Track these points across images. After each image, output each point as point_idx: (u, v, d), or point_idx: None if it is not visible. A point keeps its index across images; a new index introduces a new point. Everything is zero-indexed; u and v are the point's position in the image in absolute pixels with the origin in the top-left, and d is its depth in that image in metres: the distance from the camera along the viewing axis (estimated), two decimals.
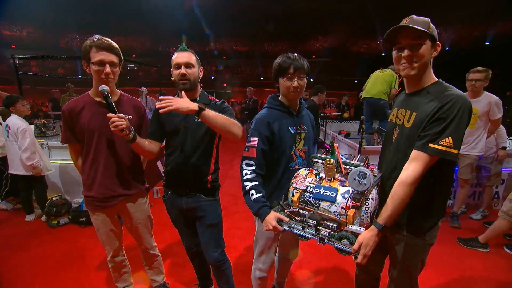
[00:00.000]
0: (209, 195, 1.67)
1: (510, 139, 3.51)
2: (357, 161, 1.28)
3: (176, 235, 1.90)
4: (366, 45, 20.51)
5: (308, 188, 1.26)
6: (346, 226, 1.14)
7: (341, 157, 1.27)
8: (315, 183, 1.27)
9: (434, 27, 1.13)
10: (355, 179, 1.10)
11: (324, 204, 1.19)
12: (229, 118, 1.47)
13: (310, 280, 2.32)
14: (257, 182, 1.39)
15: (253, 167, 1.40)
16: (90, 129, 1.55)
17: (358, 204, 1.12)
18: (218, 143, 1.68)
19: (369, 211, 1.13)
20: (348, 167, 1.22)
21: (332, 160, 1.22)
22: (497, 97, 2.88)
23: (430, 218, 1.22)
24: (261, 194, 1.37)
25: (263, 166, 1.44)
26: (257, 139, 1.41)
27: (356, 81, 15.17)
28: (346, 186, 1.19)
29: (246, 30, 19.64)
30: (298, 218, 1.25)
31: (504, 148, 3.16)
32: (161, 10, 15.19)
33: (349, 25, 18.52)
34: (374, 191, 1.17)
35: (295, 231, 1.23)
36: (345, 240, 1.12)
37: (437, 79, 1.19)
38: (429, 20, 1.12)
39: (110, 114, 1.35)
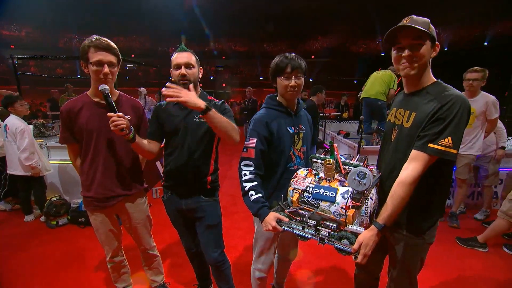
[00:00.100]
0: (209, 196, 1.67)
1: (509, 139, 3.52)
2: (356, 161, 1.28)
3: (176, 235, 1.90)
4: (366, 45, 20.53)
5: (308, 188, 1.26)
6: (346, 226, 1.15)
7: (340, 157, 1.27)
8: (314, 183, 1.27)
9: (433, 27, 1.13)
10: (354, 179, 1.10)
11: (323, 204, 1.19)
12: (230, 122, 1.48)
13: (309, 280, 2.32)
14: (256, 183, 1.39)
15: (252, 168, 1.40)
16: (88, 129, 1.55)
17: (358, 204, 1.12)
18: (217, 143, 1.68)
19: (368, 211, 1.13)
20: (347, 167, 1.23)
21: (331, 160, 1.22)
22: (494, 97, 2.89)
23: (429, 218, 1.22)
24: (260, 195, 1.37)
25: (262, 166, 1.44)
26: (255, 139, 1.41)
27: (355, 81, 15.20)
28: (345, 186, 1.19)
29: (246, 30, 19.63)
30: (298, 218, 1.25)
31: (503, 148, 3.17)
32: (161, 10, 15.17)
33: (348, 25, 18.53)
34: (373, 191, 1.17)
35: (294, 231, 1.23)
36: (345, 240, 1.12)
37: (435, 79, 1.20)
38: (429, 20, 1.12)
39: (110, 114, 1.35)
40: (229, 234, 2.89)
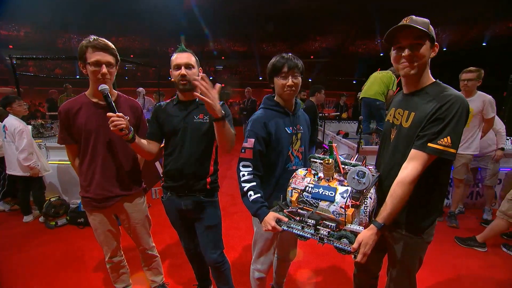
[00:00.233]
0: (208, 196, 1.66)
1: (507, 139, 3.53)
2: (355, 160, 1.29)
3: (175, 236, 1.90)
4: (365, 45, 20.56)
5: (307, 188, 1.26)
6: (345, 225, 1.15)
7: (339, 156, 1.27)
8: (313, 182, 1.27)
9: (432, 28, 1.14)
10: (354, 178, 1.10)
11: (323, 204, 1.19)
12: (233, 132, 1.49)
13: (309, 280, 2.32)
14: (255, 183, 1.39)
15: (250, 168, 1.40)
16: (87, 129, 1.54)
17: (357, 203, 1.12)
18: (217, 144, 1.67)
19: (367, 210, 1.13)
20: (346, 166, 1.23)
21: (330, 159, 1.23)
22: (490, 96, 2.90)
23: (428, 217, 1.23)
24: (259, 195, 1.37)
25: (260, 167, 1.44)
26: (253, 140, 1.41)
27: (354, 82, 15.21)
28: (344, 185, 1.19)
29: (245, 30, 19.64)
30: (297, 218, 1.25)
31: (502, 149, 3.19)
32: (160, 11, 15.16)
33: (347, 25, 18.56)
34: (372, 190, 1.18)
35: (294, 231, 1.23)
36: (345, 239, 1.12)
37: (434, 80, 1.20)
38: (429, 21, 1.13)
39: (109, 114, 1.34)
40: (229, 234, 2.89)
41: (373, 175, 1.18)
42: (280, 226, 1.27)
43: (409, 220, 1.23)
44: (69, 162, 1.74)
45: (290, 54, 1.44)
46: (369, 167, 1.23)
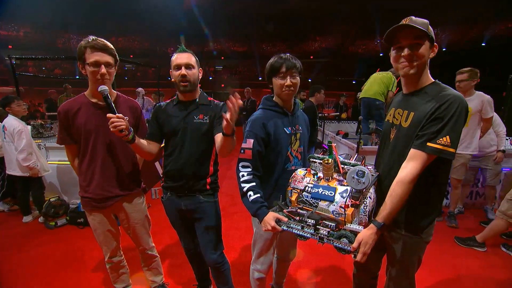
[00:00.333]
0: (208, 196, 1.67)
1: (507, 139, 3.54)
2: (354, 160, 1.29)
3: (175, 236, 1.90)
4: (364, 45, 20.57)
5: (306, 188, 1.26)
6: (345, 225, 1.15)
7: (339, 156, 1.28)
8: (313, 182, 1.27)
9: (431, 29, 1.15)
10: (353, 177, 1.10)
11: (322, 204, 1.20)
12: (234, 142, 1.48)
13: (308, 280, 2.32)
14: (254, 183, 1.39)
15: (250, 169, 1.41)
16: (86, 130, 1.54)
17: (357, 202, 1.12)
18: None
19: (367, 209, 1.14)
20: (345, 166, 1.23)
21: (330, 159, 1.23)
22: (489, 96, 2.90)
23: (426, 216, 1.23)
24: (259, 195, 1.37)
25: (260, 167, 1.44)
26: (252, 140, 1.41)
27: (354, 82, 15.22)
28: (344, 185, 1.20)
29: (245, 30, 19.64)
30: (297, 218, 1.25)
31: (503, 151, 3.20)
32: (160, 11, 15.16)
33: (347, 25, 18.57)
34: (372, 190, 1.18)
35: (294, 231, 1.23)
36: (344, 239, 1.12)
37: (433, 80, 1.21)
38: (428, 21, 1.14)
39: (109, 115, 1.34)
40: (228, 234, 2.89)
41: (372, 175, 1.18)
42: (280, 226, 1.27)
43: (408, 219, 1.23)
44: (68, 162, 1.74)
45: (288, 54, 1.44)
46: (368, 167, 1.23)
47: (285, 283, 2.05)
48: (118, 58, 1.57)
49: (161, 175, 1.72)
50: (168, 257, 2.57)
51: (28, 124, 3.67)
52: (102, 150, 1.59)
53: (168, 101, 1.70)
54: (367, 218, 1.15)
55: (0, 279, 2.30)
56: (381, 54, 18.05)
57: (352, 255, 1.11)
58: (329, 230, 1.16)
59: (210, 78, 22.40)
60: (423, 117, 1.12)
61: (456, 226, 3.17)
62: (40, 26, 18.20)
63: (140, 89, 6.85)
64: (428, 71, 1.21)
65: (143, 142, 1.57)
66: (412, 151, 1.13)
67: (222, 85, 20.68)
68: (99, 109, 1.56)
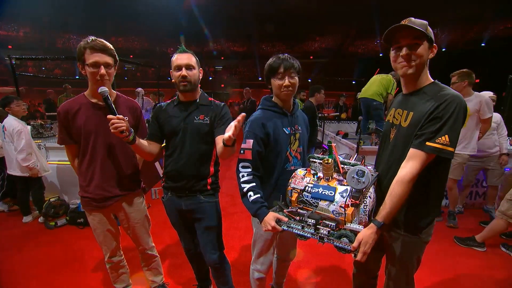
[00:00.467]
0: (209, 197, 1.67)
1: (508, 138, 3.54)
2: (354, 160, 1.30)
3: (175, 236, 1.90)
4: (364, 46, 20.60)
5: (307, 188, 1.26)
6: (345, 224, 1.15)
7: (339, 156, 1.28)
8: (313, 182, 1.27)
9: (431, 29, 1.16)
10: (353, 177, 1.10)
11: (322, 203, 1.20)
12: (234, 149, 1.47)
13: (308, 280, 2.32)
14: (254, 184, 1.39)
15: (250, 169, 1.41)
16: (86, 130, 1.55)
17: (357, 202, 1.13)
18: None
19: (367, 209, 1.14)
20: (345, 166, 1.23)
21: (330, 159, 1.23)
22: (487, 97, 2.90)
23: (426, 216, 1.23)
24: (259, 195, 1.37)
25: (259, 167, 1.44)
26: (252, 141, 1.41)
27: (353, 82, 15.22)
28: (344, 185, 1.20)
29: (244, 30, 19.67)
30: (297, 218, 1.25)
31: (507, 154, 3.21)
32: (160, 11, 15.17)
33: (347, 26, 18.60)
34: (371, 190, 1.18)
35: (294, 230, 1.24)
36: (345, 238, 1.12)
37: (433, 80, 1.22)
38: (427, 22, 1.15)
39: (110, 116, 1.34)
40: (228, 234, 2.89)
41: (372, 175, 1.18)
42: (280, 226, 1.27)
43: (408, 219, 1.24)
44: (68, 163, 1.74)
45: (287, 54, 1.45)
46: (368, 167, 1.24)
47: (285, 283, 2.06)
48: (117, 59, 1.57)
49: (161, 175, 1.72)
50: (168, 257, 2.57)
51: (28, 124, 3.67)
52: (102, 150, 1.59)
53: (168, 101, 1.70)
54: (367, 218, 1.15)
55: (0, 279, 2.30)
56: (381, 54, 18.07)
57: (353, 255, 1.11)
58: (329, 229, 1.16)
59: (210, 78, 22.41)
60: (422, 117, 1.13)
61: (455, 226, 3.17)
62: (40, 26, 18.22)
63: (139, 89, 6.84)
64: (428, 71, 1.22)
65: (144, 142, 1.57)
66: (412, 150, 1.13)
67: (222, 85, 20.69)
68: (99, 109, 1.56)
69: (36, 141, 3.51)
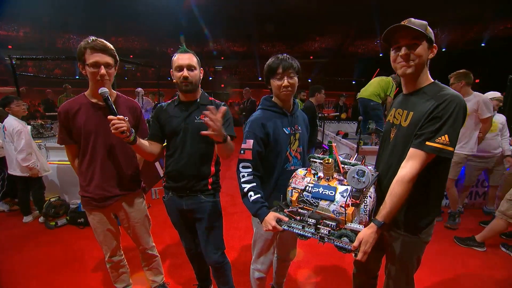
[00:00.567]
0: (210, 196, 1.67)
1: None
2: (354, 160, 1.30)
3: (175, 236, 1.90)
4: (364, 46, 20.60)
5: (307, 188, 1.26)
6: (346, 224, 1.15)
7: (339, 156, 1.28)
8: (313, 182, 1.27)
9: (431, 30, 1.17)
10: (354, 177, 1.11)
11: (323, 203, 1.20)
12: (232, 145, 1.49)
13: (308, 280, 2.32)
14: (255, 184, 1.40)
15: (250, 169, 1.41)
16: (86, 130, 1.55)
17: (357, 202, 1.13)
18: None
19: (367, 209, 1.14)
20: (346, 166, 1.24)
21: (330, 159, 1.23)
22: (485, 96, 2.89)
23: (425, 216, 1.24)
24: (259, 195, 1.38)
25: (260, 167, 1.45)
26: (252, 141, 1.42)
27: (353, 82, 15.23)
28: (344, 184, 1.20)
29: (244, 30, 19.68)
30: (298, 218, 1.25)
31: (511, 156, 3.21)
32: (160, 11, 15.18)
33: (347, 26, 18.61)
34: (372, 190, 1.18)
35: (294, 230, 1.24)
36: (345, 238, 1.13)
37: (433, 80, 1.22)
38: (427, 23, 1.15)
39: (110, 117, 1.34)
40: (228, 234, 2.89)
41: (372, 174, 1.19)
42: (281, 226, 1.27)
43: (407, 219, 1.24)
44: (68, 163, 1.74)
45: (285, 54, 1.45)
46: (368, 167, 1.24)
47: (285, 283, 2.06)
48: (118, 59, 1.58)
49: (161, 175, 1.72)
50: (169, 257, 2.57)
51: (28, 124, 3.67)
52: (102, 150, 1.60)
53: (169, 101, 1.70)
54: (367, 217, 1.15)
55: (0, 279, 2.30)
56: (381, 55, 18.08)
57: (353, 254, 1.11)
58: (329, 229, 1.16)
59: (210, 78, 22.41)
60: (421, 117, 1.13)
61: (452, 227, 3.13)
62: (40, 26, 18.22)
63: (139, 89, 6.84)
64: (428, 71, 1.22)
65: (144, 142, 1.57)
66: (411, 150, 1.14)
67: (222, 85, 20.69)
68: (99, 109, 1.56)
69: (36, 141, 3.51)
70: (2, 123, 3.13)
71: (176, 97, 1.66)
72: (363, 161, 1.28)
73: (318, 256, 2.58)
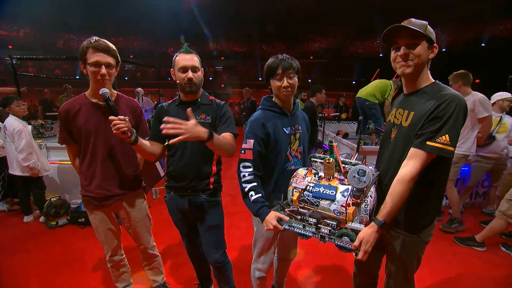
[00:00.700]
0: (211, 196, 1.67)
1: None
2: (355, 160, 1.30)
3: (176, 235, 1.90)
4: (364, 46, 20.60)
5: (308, 187, 1.27)
6: (346, 223, 1.16)
7: (340, 156, 1.29)
8: (314, 182, 1.28)
9: (432, 29, 1.17)
10: (354, 176, 1.11)
11: (323, 203, 1.20)
12: (229, 142, 1.48)
13: (309, 279, 2.33)
14: (255, 183, 1.40)
15: (251, 169, 1.41)
16: (87, 130, 1.55)
17: (358, 201, 1.13)
18: None
19: (368, 208, 1.15)
20: (346, 165, 1.24)
21: (331, 159, 1.24)
22: (482, 95, 2.85)
23: (426, 216, 1.24)
24: (260, 195, 1.38)
25: (260, 167, 1.45)
26: (252, 140, 1.42)
27: (353, 82, 15.23)
28: (345, 184, 1.21)
29: (244, 30, 19.67)
30: (299, 217, 1.25)
31: None
32: (160, 11, 15.17)
33: (347, 25, 18.60)
34: (372, 189, 1.19)
35: (295, 230, 1.24)
36: (346, 237, 1.13)
37: (434, 80, 1.22)
38: (427, 22, 1.16)
39: (111, 117, 1.34)
40: (229, 234, 2.88)
41: (373, 174, 1.19)
42: (282, 225, 1.28)
43: (408, 219, 1.24)
44: (69, 162, 1.75)
45: (285, 54, 1.45)
46: (369, 167, 1.24)
47: (286, 283, 2.06)
48: (120, 60, 1.58)
49: (162, 175, 1.73)
50: (169, 257, 2.57)
51: (29, 124, 3.68)
52: (103, 150, 1.60)
53: (169, 101, 1.70)
54: (368, 217, 1.16)
55: (0, 279, 2.31)
56: (381, 55, 18.07)
57: (354, 254, 1.12)
58: (330, 228, 1.17)
59: (210, 78, 22.40)
60: (422, 116, 1.14)
61: (450, 231, 3.06)
62: (40, 26, 18.21)
63: (139, 89, 6.84)
64: (429, 71, 1.23)
65: (145, 143, 1.57)
66: (412, 150, 1.14)
67: (222, 85, 20.68)
68: (99, 109, 1.57)
69: (37, 141, 3.52)
70: (2, 123, 3.13)
71: (177, 97, 1.66)
72: (364, 160, 1.28)
73: (318, 255, 2.59)
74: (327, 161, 1.24)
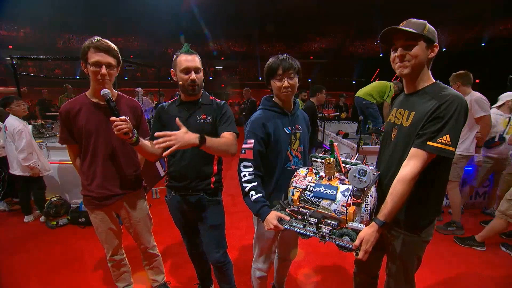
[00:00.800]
0: (212, 196, 1.67)
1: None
2: (355, 160, 1.30)
3: (176, 235, 1.91)
4: (364, 46, 20.61)
5: (308, 187, 1.27)
6: (347, 223, 1.16)
7: (340, 156, 1.29)
8: (315, 181, 1.28)
9: (432, 28, 1.16)
10: (355, 176, 1.11)
11: (324, 202, 1.21)
12: (227, 142, 1.48)
13: (309, 279, 2.33)
14: (256, 183, 1.40)
15: (251, 169, 1.42)
16: (87, 130, 1.56)
17: (359, 201, 1.14)
18: None
19: (368, 208, 1.15)
20: (347, 165, 1.24)
21: (332, 158, 1.24)
22: (478, 95, 2.83)
23: (426, 216, 1.24)
24: (260, 194, 1.38)
25: (261, 167, 1.45)
26: (253, 140, 1.42)
27: (353, 82, 15.24)
28: (346, 184, 1.21)
29: (244, 30, 19.68)
30: (299, 217, 1.26)
31: None
32: (160, 11, 15.18)
33: (347, 26, 18.61)
34: (373, 189, 1.19)
35: (296, 229, 1.24)
36: (346, 237, 1.13)
37: (434, 80, 1.22)
38: (426, 22, 1.15)
39: (113, 118, 1.34)
40: (229, 233, 2.88)
41: (373, 174, 1.19)
42: (282, 225, 1.28)
43: (408, 218, 1.25)
44: (69, 162, 1.75)
45: (285, 54, 1.45)
46: (370, 167, 1.24)
47: (286, 282, 2.06)
48: (121, 60, 1.58)
49: (162, 175, 1.73)
50: (170, 256, 2.57)
51: (29, 124, 3.68)
52: (103, 150, 1.60)
53: (170, 101, 1.70)
54: (368, 217, 1.16)
55: (0, 279, 2.31)
56: (381, 55, 18.08)
57: (354, 253, 1.12)
58: (331, 228, 1.17)
59: (210, 78, 22.40)
60: (423, 116, 1.14)
61: (446, 233, 3.04)
62: (40, 26, 18.21)
63: (139, 89, 6.83)
64: (429, 72, 1.23)
65: (146, 143, 1.57)
66: (413, 150, 1.14)
67: (222, 85, 20.68)
68: (99, 109, 1.57)
69: (37, 140, 3.52)
70: (3, 123, 3.13)
71: (177, 97, 1.66)
72: (365, 160, 1.28)
73: (319, 255, 2.59)
74: (328, 161, 1.24)
